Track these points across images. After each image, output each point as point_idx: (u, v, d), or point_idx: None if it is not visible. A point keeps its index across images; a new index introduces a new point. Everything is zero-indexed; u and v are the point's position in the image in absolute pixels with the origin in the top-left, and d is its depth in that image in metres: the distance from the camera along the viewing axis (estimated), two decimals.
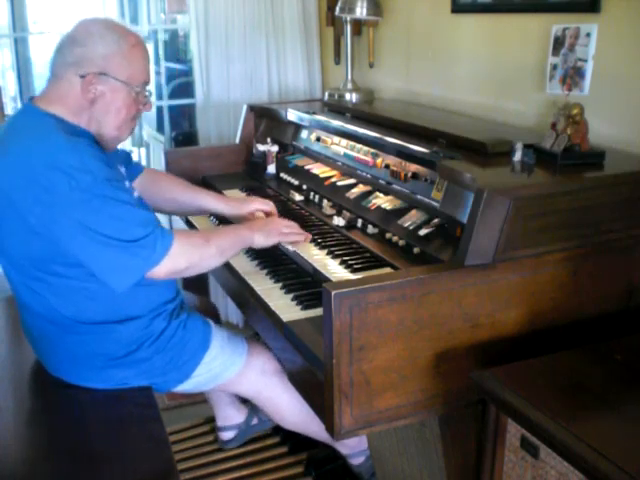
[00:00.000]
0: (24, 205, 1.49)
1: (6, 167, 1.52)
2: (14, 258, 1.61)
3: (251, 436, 2.38)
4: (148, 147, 4.63)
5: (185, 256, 1.59)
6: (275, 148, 2.53)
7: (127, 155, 2.03)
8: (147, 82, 1.71)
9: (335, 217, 1.93)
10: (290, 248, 1.82)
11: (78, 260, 1.54)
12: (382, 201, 1.86)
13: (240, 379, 1.87)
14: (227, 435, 2.34)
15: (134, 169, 2.04)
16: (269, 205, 2.03)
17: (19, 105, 4.18)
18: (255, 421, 2.35)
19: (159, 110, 3.98)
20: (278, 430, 2.43)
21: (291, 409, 1.92)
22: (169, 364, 1.74)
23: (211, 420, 2.52)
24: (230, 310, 3.32)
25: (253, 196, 2.17)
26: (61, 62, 1.61)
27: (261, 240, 1.77)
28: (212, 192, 2.15)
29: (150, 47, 4.07)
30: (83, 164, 1.49)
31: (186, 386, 1.80)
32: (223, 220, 2.16)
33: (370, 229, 1.80)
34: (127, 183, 1.76)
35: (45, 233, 1.51)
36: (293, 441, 2.37)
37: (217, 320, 2.12)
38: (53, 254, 1.55)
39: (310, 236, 1.83)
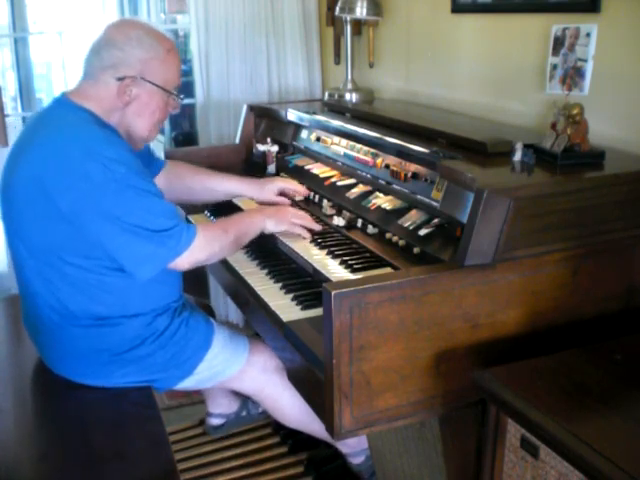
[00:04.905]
0: (57, 192, 1.53)
1: (41, 154, 1.56)
2: (34, 244, 1.63)
3: (240, 427, 2.43)
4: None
5: (207, 248, 1.66)
6: (275, 148, 2.53)
7: (148, 150, 2.05)
8: (179, 86, 1.76)
9: (335, 217, 1.93)
10: (295, 249, 1.82)
11: (102, 250, 1.58)
12: (382, 201, 1.86)
13: (242, 377, 1.88)
14: (215, 421, 2.38)
15: (156, 164, 2.08)
16: (292, 184, 2.13)
17: (19, 105, 4.18)
18: (244, 413, 2.41)
19: None
20: (278, 430, 2.43)
21: (292, 407, 1.93)
22: (171, 361, 1.75)
23: None
24: (230, 310, 3.32)
25: (276, 177, 2.23)
26: (98, 64, 1.65)
27: (272, 226, 1.84)
28: (235, 175, 2.21)
29: None
30: (118, 155, 1.55)
31: (187, 383, 1.81)
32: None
33: (370, 229, 1.80)
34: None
35: (74, 221, 1.54)
36: (293, 441, 2.37)
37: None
38: (77, 243, 1.58)
39: (319, 227, 1.88)
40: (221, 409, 2.38)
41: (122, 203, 1.53)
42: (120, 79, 1.63)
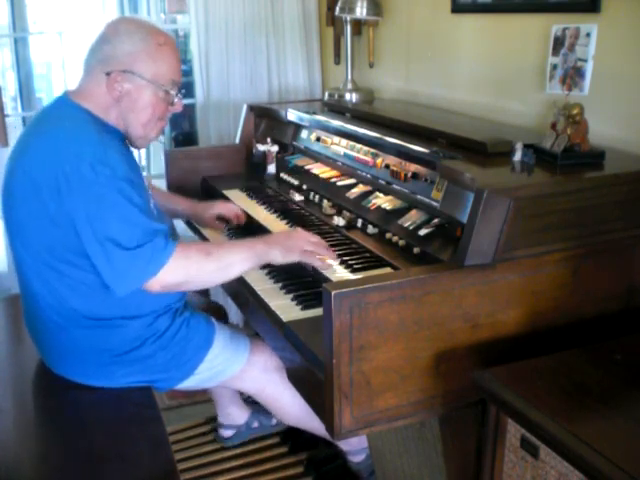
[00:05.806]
0: (47, 192, 1.52)
1: (36, 154, 1.56)
2: (31, 244, 1.62)
3: (252, 437, 2.40)
4: (148, 147, 4.64)
5: (181, 270, 1.55)
6: (275, 148, 2.53)
7: None
8: (176, 82, 1.70)
9: (335, 217, 1.93)
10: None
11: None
12: (382, 201, 1.86)
13: (243, 376, 1.88)
14: (226, 433, 2.38)
15: None
16: (231, 209, 2.14)
17: (19, 105, 4.19)
18: (256, 424, 2.38)
19: None
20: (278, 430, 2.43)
21: (293, 405, 1.93)
22: (172, 361, 1.75)
23: (211, 420, 2.52)
24: (230, 310, 3.32)
25: (217, 201, 2.24)
26: (91, 60, 1.65)
27: (278, 256, 1.65)
28: (181, 197, 2.24)
29: None
30: (106, 157, 1.52)
31: (188, 383, 1.81)
32: (234, 230, 2.17)
33: (370, 229, 1.80)
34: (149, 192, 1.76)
35: (63, 222, 1.53)
36: (293, 441, 2.37)
37: (225, 319, 2.15)
38: (70, 244, 1.56)
39: (335, 256, 1.68)
40: (231, 420, 2.37)
41: (100, 206, 1.49)
42: (108, 73, 1.61)
